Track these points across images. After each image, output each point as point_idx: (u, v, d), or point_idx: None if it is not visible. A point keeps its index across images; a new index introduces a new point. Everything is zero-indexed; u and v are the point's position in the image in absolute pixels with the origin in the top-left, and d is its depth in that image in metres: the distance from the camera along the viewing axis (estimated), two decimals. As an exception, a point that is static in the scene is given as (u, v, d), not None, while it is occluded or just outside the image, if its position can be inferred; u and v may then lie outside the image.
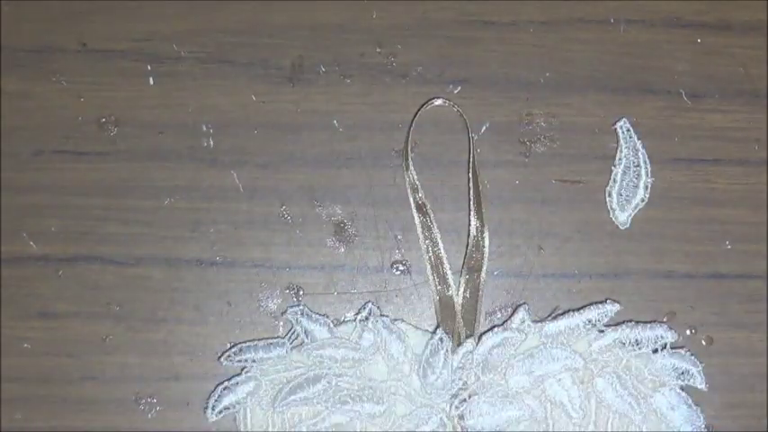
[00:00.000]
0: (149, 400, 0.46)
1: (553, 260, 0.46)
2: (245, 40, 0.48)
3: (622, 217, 0.46)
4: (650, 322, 0.45)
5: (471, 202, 0.46)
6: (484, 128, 0.47)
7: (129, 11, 0.48)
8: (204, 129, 0.47)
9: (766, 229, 0.47)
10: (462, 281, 0.46)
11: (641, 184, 0.46)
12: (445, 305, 0.45)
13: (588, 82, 0.47)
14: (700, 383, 0.45)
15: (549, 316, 0.46)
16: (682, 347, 0.45)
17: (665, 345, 0.45)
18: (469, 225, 0.46)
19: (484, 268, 0.46)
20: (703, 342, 0.46)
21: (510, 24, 0.48)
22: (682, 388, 0.45)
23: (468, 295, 0.46)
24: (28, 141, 0.47)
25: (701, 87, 0.48)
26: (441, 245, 0.46)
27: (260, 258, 0.46)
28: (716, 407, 0.46)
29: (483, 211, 0.46)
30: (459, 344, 0.45)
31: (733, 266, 0.47)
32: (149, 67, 0.47)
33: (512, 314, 0.45)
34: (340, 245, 0.47)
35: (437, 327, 0.45)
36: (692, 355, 0.45)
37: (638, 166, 0.46)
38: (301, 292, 0.46)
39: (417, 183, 0.46)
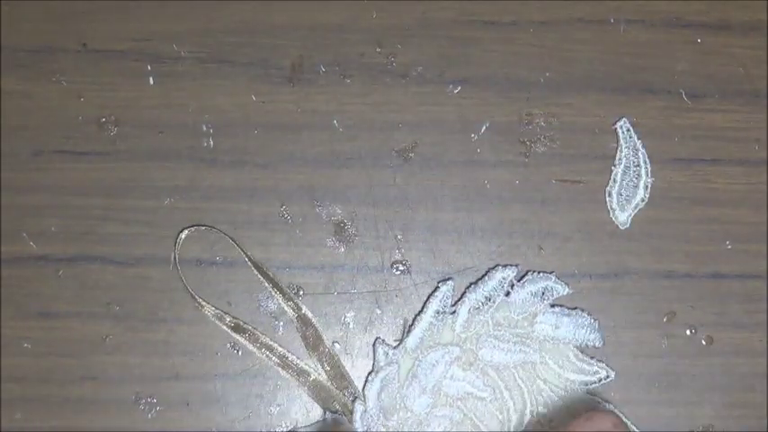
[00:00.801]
0: (149, 400, 0.46)
1: (553, 260, 0.46)
2: (245, 40, 0.48)
3: (622, 217, 0.46)
4: (486, 272, 0.45)
5: (271, 288, 0.46)
6: (484, 128, 0.47)
7: (129, 11, 0.48)
8: (204, 129, 0.47)
9: (766, 229, 0.47)
10: (314, 359, 0.45)
11: (641, 184, 0.46)
12: (318, 389, 0.45)
13: (588, 82, 0.48)
14: (562, 291, 0.45)
15: (402, 334, 0.46)
16: (527, 273, 0.45)
17: (512, 282, 0.45)
18: (286, 312, 0.46)
19: (323, 337, 0.46)
20: (703, 342, 0.46)
21: (510, 24, 0.48)
22: (552, 305, 0.45)
23: (329, 368, 0.45)
24: (28, 141, 0.47)
25: (701, 87, 0.48)
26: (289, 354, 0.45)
27: (260, 258, 0.46)
28: (716, 407, 0.46)
29: (290, 295, 0.46)
30: (351, 411, 0.45)
31: (733, 266, 0.47)
32: (149, 67, 0.47)
33: (373, 355, 0.45)
34: (340, 245, 0.47)
35: (324, 413, 0.45)
36: (537, 272, 0.45)
37: (638, 165, 0.46)
38: (301, 292, 0.46)
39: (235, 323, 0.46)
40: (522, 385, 0.45)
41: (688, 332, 0.46)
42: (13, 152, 0.47)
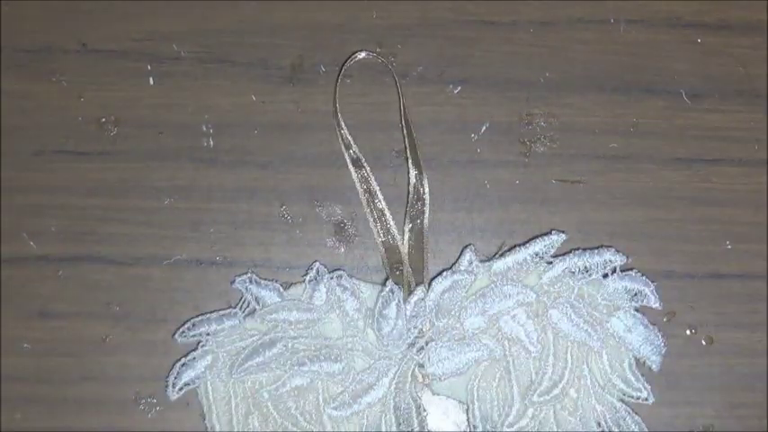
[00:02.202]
0: (149, 400, 0.46)
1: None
2: (245, 40, 0.48)
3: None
4: (597, 247, 0.45)
5: (408, 152, 0.46)
6: (484, 128, 0.47)
7: (129, 11, 0.48)
8: (204, 129, 0.47)
9: (766, 229, 0.47)
10: (406, 230, 0.46)
11: None
12: (392, 256, 0.45)
13: (588, 82, 0.48)
14: (654, 303, 0.45)
15: (495, 254, 0.46)
16: (631, 269, 0.45)
17: (615, 268, 0.45)
18: (408, 175, 0.46)
19: (426, 214, 0.46)
20: (703, 342, 0.46)
21: (510, 24, 0.48)
22: (636, 309, 0.45)
23: (413, 243, 0.46)
24: (28, 141, 0.47)
25: (701, 87, 0.48)
26: (380, 196, 0.46)
27: (260, 258, 0.46)
28: (716, 407, 0.46)
29: (420, 160, 0.46)
30: (410, 292, 0.45)
31: (733, 266, 0.47)
32: (149, 67, 0.47)
33: (459, 257, 0.45)
34: (340, 245, 0.47)
35: (386, 278, 0.45)
36: (642, 275, 0.45)
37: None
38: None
39: (349, 138, 0.46)
40: (570, 361, 0.44)
41: (688, 332, 0.46)
42: (13, 152, 0.47)
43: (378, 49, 0.48)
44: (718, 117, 0.47)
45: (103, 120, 0.47)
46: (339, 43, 0.48)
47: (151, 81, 0.47)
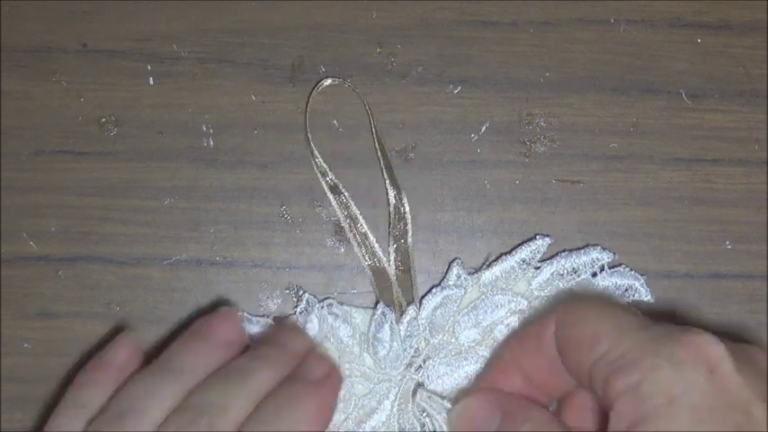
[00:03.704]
0: (149, 400, 0.45)
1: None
2: (245, 40, 0.48)
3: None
4: (583, 247, 0.45)
5: (383, 172, 0.46)
6: (484, 128, 0.47)
7: (129, 11, 0.48)
8: (204, 129, 0.47)
9: (766, 229, 0.47)
10: (391, 250, 0.46)
11: None
12: (380, 277, 0.46)
13: (588, 82, 0.48)
14: (645, 295, 0.45)
15: (482, 265, 0.46)
16: (619, 265, 0.45)
17: (603, 266, 0.45)
18: (387, 196, 0.46)
19: (409, 233, 0.46)
20: (703, 342, 0.46)
21: (510, 24, 0.48)
22: (630, 304, 0.45)
23: (400, 263, 0.46)
24: (28, 141, 0.47)
25: (701, 87, 0.48)
26: (362, 220, 0.46)
27: (260, 258, 0.46)
28: (716, 407, 0.46)
29: (397, 180, 0.46)
30: (402, 313, 0.45)
31: (733, 266, 0.47)
32: (149, 67, 0.47)
33: (446, 272, 0.45)
34: (340, 245, 0.47)
35: (377, 302, 0.45)
36: (631, 270, 0.45)
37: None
38: (301, 292, 0.46)
39: (325, 166, 0.46)
40: None
41: (688, 332, 0.46)
42: (13, 152, 0.47)
43: (378, 50, 0.48)
44: (719, 117, 0.47)
45: (103, 120, 0.47)
46: (339, 43, 0.48)
47: (151, 81, 0.47)
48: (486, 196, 0.47)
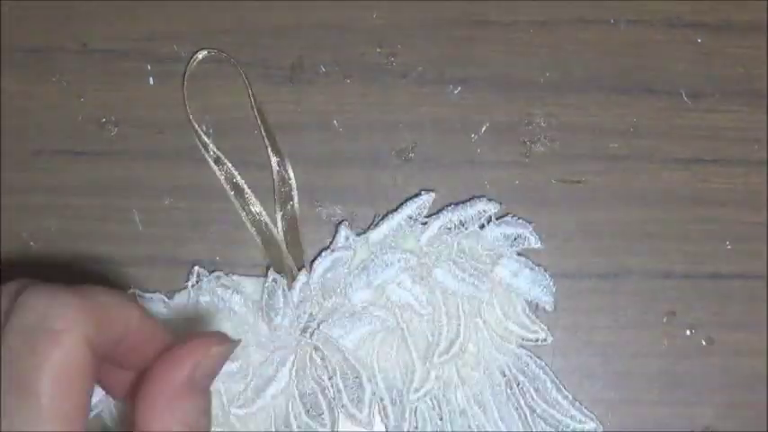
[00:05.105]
0: (149, 400, 0.45)
1: (553, 260, 0.46)
2: (245, 40, 0.48)
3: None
4: (469, 199, 0.45)
5: (264, 139, 0.46)
6: (484, 128, 0.47)
7: (129, 11, 0.48)
8: (204, 129, 0.47)
9: (766, 229, 0.47)
10: (278, 217, 0.46)
11: None
12: (268, 245, 0.46)
13: (588, 82, 0.47)
14: (534, 243, 0.45)
15: (370, 225, 0.46)
16: (507, 215, 0.46)
17: (490, 217, 0.45)
18: (270, 160, 0.46)
19: (295, 199, 0.46)
20: (703, 342, 0.46)
21: (510, 24, 0.48)
22: (519, 254, 0.45)
23: (287, 229, 0.46)
24: (28, 141, 0.47)
25: (701, 87, 0.48)
26: (248, 190, 0.46)
27: (260, 258, 0.46)
28: (716, 407, 0.46)
29: (279, 146, 0.46)
30: (294, 278, 0.45)
31: (733, 266, 0.47)
32: (149, 67, 0.47)
33: (334, 234, 0.46)
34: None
35: (267, 269, 0.45)
36: (518, 218, 0.45)
37: None
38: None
39: (206, 139, 0.46)
40: (463, 317, 0.44)
41: (688, 332, 0.46)
42: (13, 152, 0.47)
43: (378, 50, 0.48)
44: (719, 117, 0.47)
45: (103, 120, 0.47)
46: (339, 43, 0.48)
47: (151, 81, 0.47)
48: (486, 196, 0.47)
